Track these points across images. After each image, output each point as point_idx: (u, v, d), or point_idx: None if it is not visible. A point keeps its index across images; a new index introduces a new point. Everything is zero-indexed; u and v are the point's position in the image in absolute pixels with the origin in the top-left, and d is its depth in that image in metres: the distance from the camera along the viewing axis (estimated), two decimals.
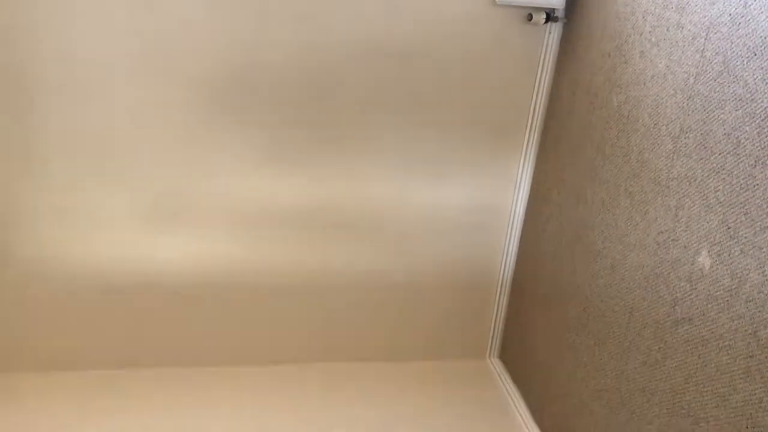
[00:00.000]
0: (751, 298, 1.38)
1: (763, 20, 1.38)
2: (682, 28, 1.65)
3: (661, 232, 1.71)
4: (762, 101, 1.37)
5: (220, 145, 2.28)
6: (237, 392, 2.55)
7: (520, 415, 2.52)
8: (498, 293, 2.76)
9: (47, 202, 2.27)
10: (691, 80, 1.60)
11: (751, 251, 1.39)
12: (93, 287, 2.44)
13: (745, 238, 1.40)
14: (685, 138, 1.62)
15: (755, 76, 1.40)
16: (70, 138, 2.19)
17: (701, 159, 1.56)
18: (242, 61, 2.19)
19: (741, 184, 1.42)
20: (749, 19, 1.42)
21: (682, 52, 1.64)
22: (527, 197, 2.57)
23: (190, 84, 2.19)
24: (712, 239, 1.51)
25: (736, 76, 1.45)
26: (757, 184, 1.38)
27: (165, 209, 2.36)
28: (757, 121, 1.38)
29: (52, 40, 2.06)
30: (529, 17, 2.26)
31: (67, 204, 2.29)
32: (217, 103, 2.23)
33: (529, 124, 2.45)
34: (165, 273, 2.46)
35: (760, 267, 1.36)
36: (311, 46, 2.20)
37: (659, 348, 1.70)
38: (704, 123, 1.55)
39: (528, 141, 2.47)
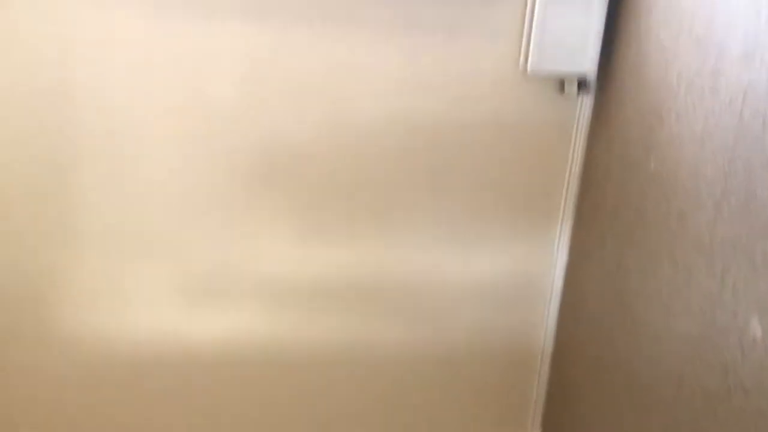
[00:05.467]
0: None
1: None
2: (718, 92, 1.64)
3: (707, 299, 1.65)
4: None
5: (256, 220, 2.31)
6: None
7: None
8: (539, 363, 2.68)
9: (83, 275, 2.30)
10: (731, 143, 1.58)
11: None
12: (127, 363, 2.44)
13: None
14: (727, 201, 1.59)
15: None
16: (107, 211, 2.24)
17: (746, 222, 1.52)
18: (275, 138, 2.24)
19: None
20: None
21: (719, 115, 1.63)
22: (565, 265, 2.53)
23: (226, 158, 2.24)
24: (762, 305, 1.45)
25: None
26: None
27: (199, 285, 2.37)
28: None
29: (90, 111, 2.13)
30: (561, 87, 2.28)
31: (102, 275, 2.32)
32: (254, 178, 2.27)
33: (564, 193, 2.43)
34: (199, 349, 2.46)
35: None
36: (341, 122, 2.25)
37: (711, 419, 1.62)
38: (747, 185, 1.52)
39: (564, 209, 2.45)
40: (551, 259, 2.52)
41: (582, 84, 2.27)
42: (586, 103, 2.34)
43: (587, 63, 2.22)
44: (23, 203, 2.18)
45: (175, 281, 2.33)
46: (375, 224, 2.38)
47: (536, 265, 2.52)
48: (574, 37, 2.19)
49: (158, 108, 2.15)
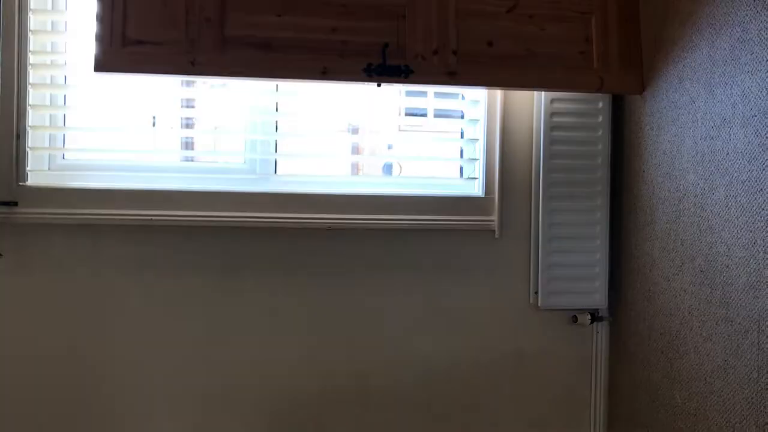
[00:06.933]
0: None
1: None
2: (731, 322, 1.64)
3: None
4: None
5: None
6: None
7: None
8: None
9: None
10: (755, 374, 1.54)
11: None
12: None
13: None
14: None
15: None
16: None
17: None
18: (291, 390, 2.22)
19: None
20: None
21: (738, 345, 1.61)
22: None
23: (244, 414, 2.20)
24: None
25: None
26: None
27: None
28: None
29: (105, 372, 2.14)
30: (574, 319, 2.29)
31: None
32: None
33: (592, 430, 2.33)
34: None
35: None
36: (364, 370, 2.26)
37: None
38: None
39: None
40: None
41: (594, 315, 2.28)
42: (601, 333, 2.32)
43: (597, 296, 2.25)
44: None
45: None
46: None
47: None
48: (580, 272, 2.25)
49: (173, 369, 2.16)
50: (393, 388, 2.25)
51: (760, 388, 1.53)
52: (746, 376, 1.58)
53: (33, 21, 2.06)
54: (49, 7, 2.10)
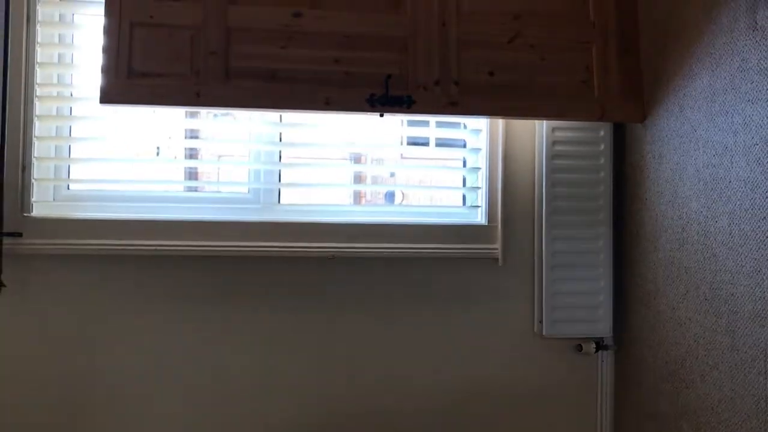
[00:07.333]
0: None
1: None
2: (738, 350, 1.63)
3: None
4: None
5: None
6: None
7: None
8: None
9: None
10: (763, 404, 1.53)
11: None
12: None
13: None
14: None
15: None
16: None
17: None
18: (309, 414, 2.20)
19: None
20: None
21: (745, 375, 1.60)
22: None
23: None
24: None
25: None
26: None
27: None
28: None
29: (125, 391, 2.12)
30: (579, 347, 2.28)
31: None
32: None
33: None
34: None
35: None
36: (375, 405, 2.24)
37: None
38: None
39: None
40: None
41: (599, 344, 2.27)
42: (606, 362, 2.31)
43: (601, 325, 2.24)
44: None
45: None
46: None
47: None
48: (584, 301, 2.24)
49: (179, 398, 2.15)
50: (394, 415, 2.23)
51: None
52: (754, 406, 1.56)
53: (40, 53, 2.08)
54: (56, 40, 2.13)
